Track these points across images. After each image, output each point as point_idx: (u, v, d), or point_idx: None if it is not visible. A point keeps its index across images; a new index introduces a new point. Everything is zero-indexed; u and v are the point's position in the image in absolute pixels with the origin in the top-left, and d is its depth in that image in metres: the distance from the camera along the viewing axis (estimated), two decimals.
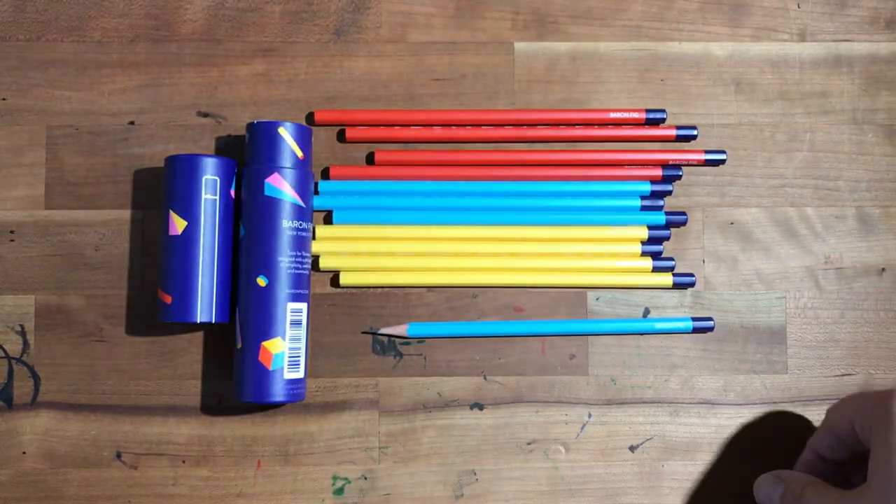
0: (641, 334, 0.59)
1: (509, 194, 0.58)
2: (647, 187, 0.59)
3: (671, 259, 0.58)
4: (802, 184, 0.60)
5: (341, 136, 0.59)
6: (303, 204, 0.55)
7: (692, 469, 0.58)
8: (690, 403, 0.58)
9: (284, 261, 0.54)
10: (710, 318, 0.58)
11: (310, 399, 0.58)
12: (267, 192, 0.54)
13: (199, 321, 0.53)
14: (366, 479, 0.57)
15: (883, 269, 0.59)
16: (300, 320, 0.54)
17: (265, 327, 0.53)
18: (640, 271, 0.58)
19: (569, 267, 0.58)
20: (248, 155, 0.55)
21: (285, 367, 0.53)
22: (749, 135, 0.60)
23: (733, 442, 0.58)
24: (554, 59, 0.60)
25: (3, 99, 0.59)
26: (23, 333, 0.57)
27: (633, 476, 0.58)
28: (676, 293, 0.59)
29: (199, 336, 0.58)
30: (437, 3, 0.60)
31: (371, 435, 0.57)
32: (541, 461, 0.58)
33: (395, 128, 0.59)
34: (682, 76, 0.60)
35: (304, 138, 0.55)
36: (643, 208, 0.59)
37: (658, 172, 0.59)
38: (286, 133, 0.55)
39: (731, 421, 0.58)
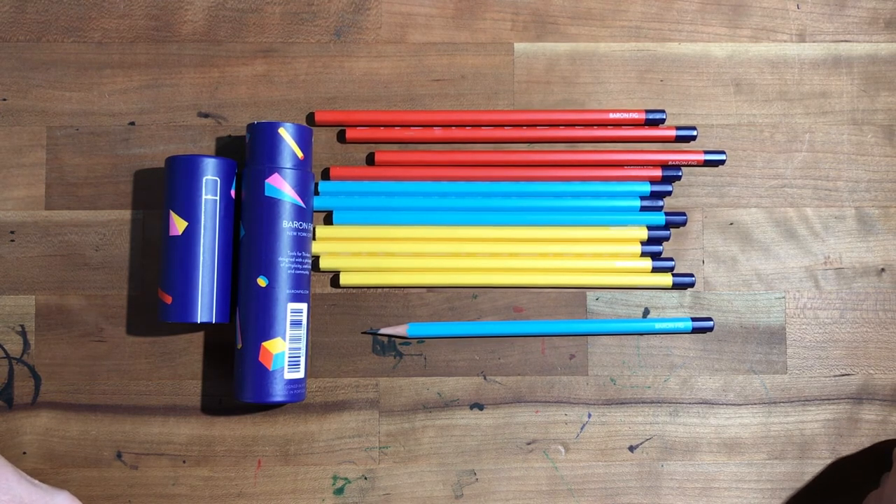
0: (641, 334, 0.59)
1: (509, 194, 0.59)
2: (646, 188, 0.59)
3: (671, 259, 0.58)
4: (802, 184, 0.60)
5: (341, 137, 0.59)
6: (303, 204, 0.55)
7: (692, 469, 0.58)
8: (690, 403, 0.58)
9: (285, 261, 0.54)
10: (709, 319, 0.58)
11: (310, 399, 0.58)
12: (267, 193, 0.54)
13: (199, 321, 0.53)
14: (366, 479, 0.57)
15: (882, 270, 0.59)
16: (300, 320, 0.54)
17: (265, 327, 0.53)
18: (639, 271, 0.58)
19: (569, 267, 0.58)
20: (248, 155, 0.55)
21: (285, 367, 0.54)
22: (748, 135, 0.60)
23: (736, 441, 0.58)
24: (553, 60, 0.60)
25: (4, 99, 0.59)
26: (23, 333, 0.57)
27: (632, 476, 0.58)
28: (676, 293, 0.59)
29: (199, 336, 0.58)
30: (436, 4, 0.60)
31: (371, 435, 0.58)
32: (540, 461, 0.58)
33: (395, 128, 0.59)
34: (682, 77, 0.60)
35: (304, 139, 0.55)
36: (643, 209, 0.59)
37: (658, 173, 0.59)
38: (286, 133, 0.55)
39: (730, 421, 0.58)
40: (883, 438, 0.59)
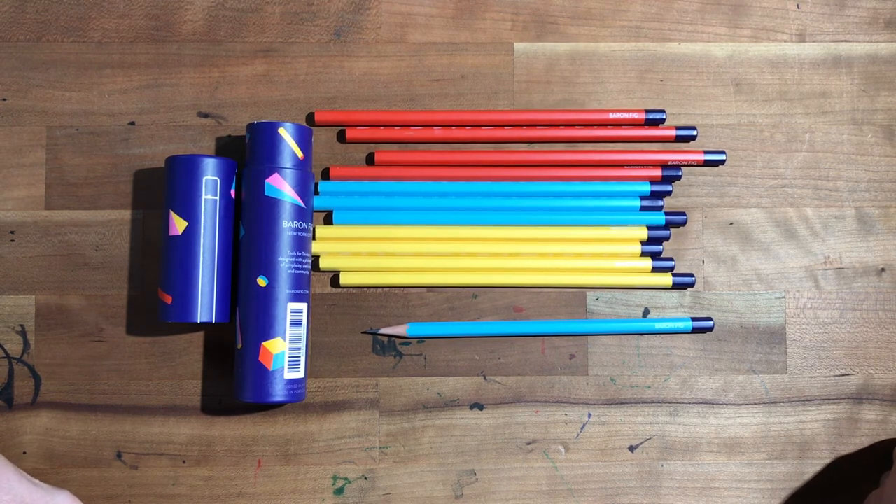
0: (641, 334, 0.59)
1: (509, 194, 0.59)
2: (646, 188, 0.59)
3: (671, 259, 0.58)
4: (802, 184, 0.60)
5: (341, 137, 0.59)
6: (303, 204, 0.55)
7: (692, 469, 0.58)
8: (690, 403, 0.58)
9: (284, 261, 0.54)
10: (709, 319, 0.58)
11: (310, 399, 0.58)
12: (267, 193, 0.54)
13: (199, 321, 0.53)
14: (366, 479, 0.57)
15: (882, 270, 0.59)
16: (300, 320, 0.54)
17: (265, 327, 0.53)
18: (639, 271, 0.58)
19: (569, 267, 0.58)
20: (248, 155, 0.55)
21: (285, 367, 0.54)
22: (748, 135, 0.60)
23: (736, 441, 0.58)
24: (553, 60, 0.60)
25: (4, 99, 0.59)
26: (23, 333, 0.57)
27: (632, 476, 0.58)
28: (676, 293, 0.59)
29: (199, 336, 0.58)
30: (436, 4, 0.60)
31: (371, 435, 0.58)
32: (540, 461, 0.58)
33: (395, 128, 0.59)
34: (682, 76, 0.60)
35: (304, 139, 0.55)
36: (643, 208, 0.59)
37: (658, 173, 0.59)
38: (286, 133, 0.55)
39: (730, 421, 0.58)
40: (883, 438, 0.59)
